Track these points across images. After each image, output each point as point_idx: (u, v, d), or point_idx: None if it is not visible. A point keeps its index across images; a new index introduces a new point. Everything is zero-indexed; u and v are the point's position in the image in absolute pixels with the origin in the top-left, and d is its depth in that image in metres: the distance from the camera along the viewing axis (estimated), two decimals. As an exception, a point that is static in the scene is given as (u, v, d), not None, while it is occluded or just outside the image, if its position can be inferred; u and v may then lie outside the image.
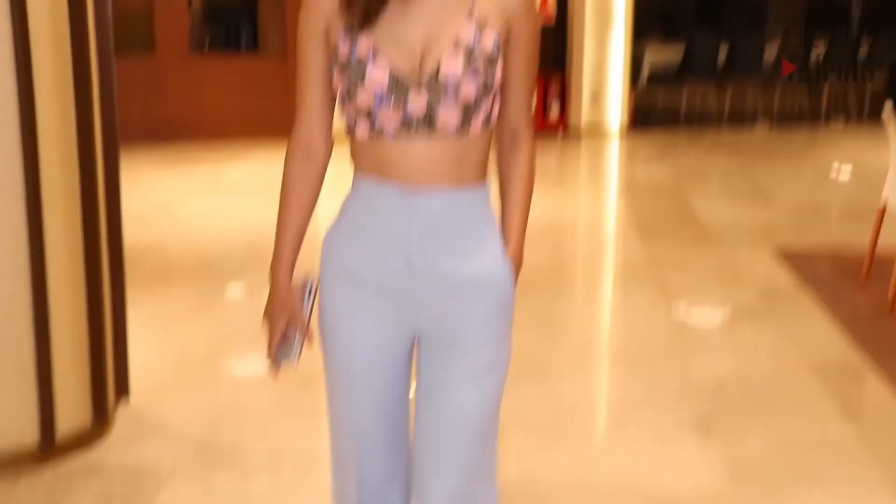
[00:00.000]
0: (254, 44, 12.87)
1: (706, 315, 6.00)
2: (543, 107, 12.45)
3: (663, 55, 13.61)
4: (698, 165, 10.76)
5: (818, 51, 13.82)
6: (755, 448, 4.22)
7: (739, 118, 13.35)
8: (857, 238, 6.97)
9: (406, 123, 2.20)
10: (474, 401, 2.38)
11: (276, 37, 12.30)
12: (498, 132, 2.40)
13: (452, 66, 2.17)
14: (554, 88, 12.50)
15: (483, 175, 2.33)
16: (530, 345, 5.11)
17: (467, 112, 2.21)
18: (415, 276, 2.31)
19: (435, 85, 2.18)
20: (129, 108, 10.30)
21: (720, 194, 9.33)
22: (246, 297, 6.43)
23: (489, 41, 2.20)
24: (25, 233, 3.90)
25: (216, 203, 8.91)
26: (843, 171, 10.59)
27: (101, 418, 4.22)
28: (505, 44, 2.26)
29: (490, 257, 2.36)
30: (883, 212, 6.35)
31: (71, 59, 4.02)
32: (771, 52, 13.63)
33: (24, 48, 3.83)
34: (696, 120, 13.26)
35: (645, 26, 13.23)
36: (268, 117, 11.60)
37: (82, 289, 4.13)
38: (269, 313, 2.43)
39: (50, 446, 4.02)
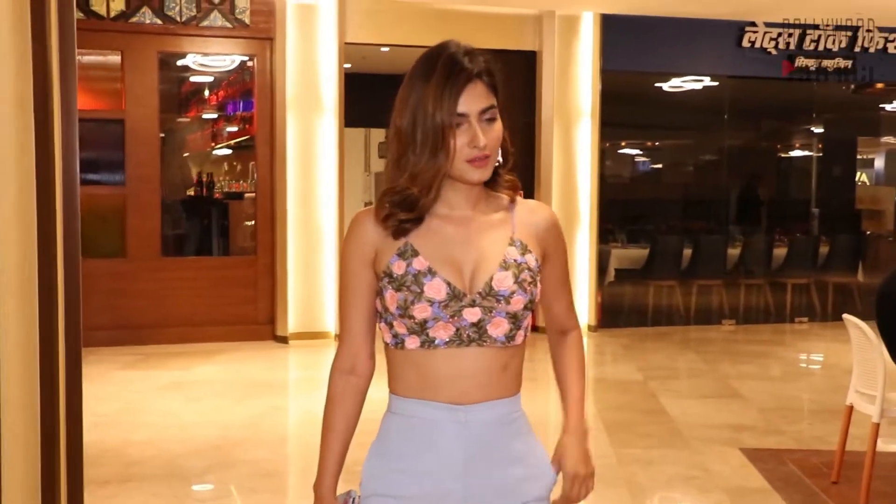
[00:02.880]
0: (225, 247, 12.94)
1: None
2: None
3: (629, 254, 13.75)
4: (666, 362, 10.79)
5: (780, 250, 14.01)
6: None
7: (705, 317, 13.45)
8: (825, 437, 6.98)
9: (458, 334, 2.34)
10: None
11: (245, 240, 12.37)
12: (549, 331, 2.69)
13: (504, 280, 2.36)
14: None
15: (519, 385, 2.51)
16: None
17: (515, 322, 2.37)
18: (472, 483, 2.40)
19: (488, 297, 2.35)
20: (97, 310, 10.36)
21: (688, 392, 9.33)
22: (211, 501, 6.29)
23: (532, 261, 2.43)
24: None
25: (181, 403, 8.79)
26: (809, 369, 10.62)
27: None
28: (543, 262, 2.48)
29: (536, 451, 2.52)
30: (849, 412, 6.33)
31: (37, 261, 4.01)
32: (734, 252, 13.80)
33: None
34: (662, 319, 13.33)
35: (609, 225, 13.37)
36: (235, 317, 11.69)
37: (38, 498, 4.02)
38: None
39: None
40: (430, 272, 2.33)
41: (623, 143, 15.25)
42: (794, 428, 8.00)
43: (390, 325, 2.40)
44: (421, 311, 2.32)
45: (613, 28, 12.32)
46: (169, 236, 12.24)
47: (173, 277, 11.66)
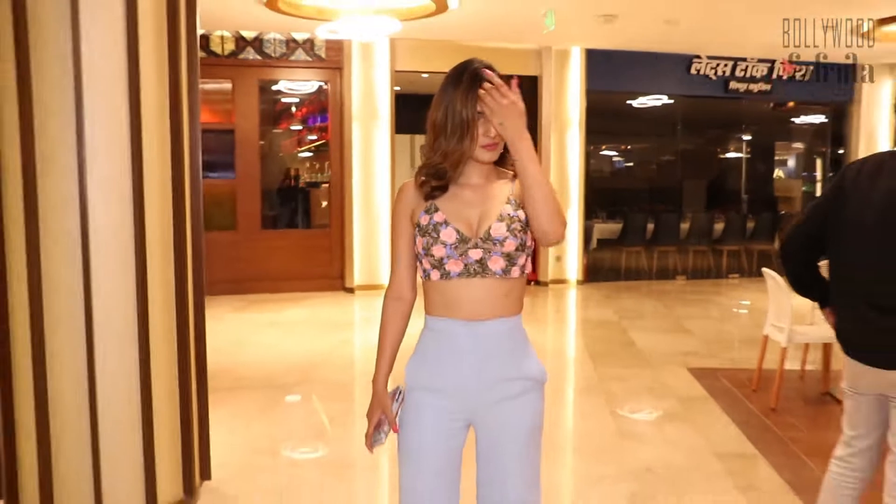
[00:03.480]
0: (307, 222, 12.99)
1: (640, 417, 5.93)
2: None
3: (608, 228, 13.77)
4: (635, 308, 10.74)
5: (719, 225, 13.97)
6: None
7: (663, 273, 13.40)
8: (749, 359, 6.98)
9: (466, 268, 2.38)
10: (527, 451, 2.51)
11: (322, 217, 12.45)
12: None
13: (500, 229, 2.37)
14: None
15: (520, 308, 2.49)
16: (562, 432, 4.98)
17: (510, 260, 2.38)
18: (483, 380, 2.44)
19: (487, 241, 2.36)
20: (216, 269, 10.45)
21: (651, 329, 9.26)
22: (298, 405, 6.32)
23: (523, 215, 2.40)
24: (137, 359, 3.91)
25: (276, 336, 8.82)
26: (738, 312, 10.62)
27: (189, 494, 4.17)
28: None
29: (532, 360, 2.51)
30: (765, 341, 6.40)
31: (173, 238, 4.07)
32: (685, 226, 13.79)
33: (140, 227, 3.89)
34: (632, 275, 13.28)
35: (593, 207, 13.37)
36: (315, 274, 11.73)
37: (176, 399, 4.11)
38: (370, 410, 2.56)
39: (153, 514, 3.94)
40: (445, 223, 2.38)
41: (603, 147, 15.22)
42: (727, 353, 8.03)
43: (421, 262, 2.45)
44: (438, 251, 2.37)
45: (595, 59, 12.22)
46: (267, 215, 12.23)
47: (270, 245, 11.70)
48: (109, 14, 3.73)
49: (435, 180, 2.42)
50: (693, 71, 12.79)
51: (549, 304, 11.28)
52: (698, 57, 12.69)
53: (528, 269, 2.47)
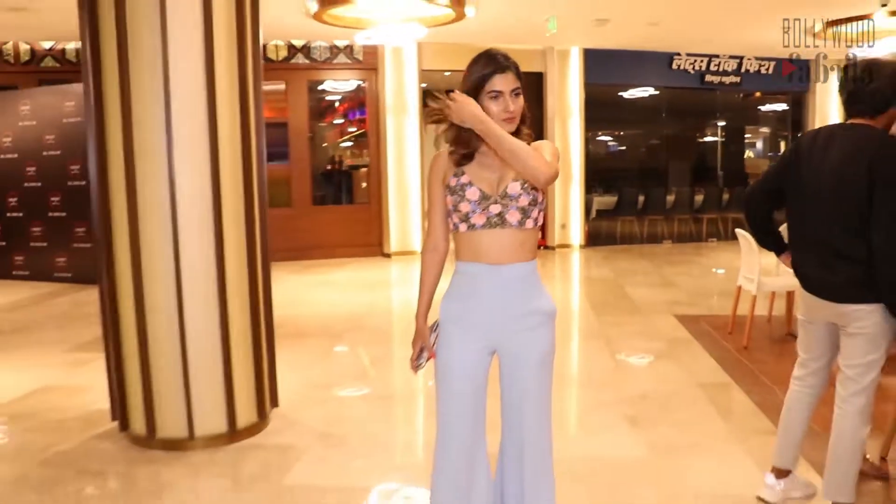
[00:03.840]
0: (350, 199, 13.06)
1: (634, 356, 5.98)
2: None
3: (605, 200, 13.78)
4: (629, 267, 10.74)
5: (699, 197, 13.92)
6: (663, 432, 4.25)
7: (653, 238, 13.40)
8: (725, 307, 7.00)
9: (488, 221, 2.43)
10: (540, 371, 2.57)
11: (363, 195, 12.55)
12: None
13: (515, 187, 2.42)
14: (536, 222, 12.61)
15: (534, 255, 2.54)
16: (565, 368, 5.08)
17: (524, 214, 2.43)
18: (505, 314, 2.50)
19: (505, 198, 2.42)
20: (276, 238, 10.57)
21: (643, 284, 9.28)
22: (347, 350, 6.40)
23: None
24: (217, 305, 4.03)
25: (327, 293, 8.93)
26: (717, 269, 10.64)
27: (262, 418, 4.30)
28: None
29: (545, 298, 2.57)
30: (738, 291, 6.43)
31: (244, 210, 4.17)
32: (671, 199, 13.77)
33: (217, 198, 4.00)
34: (626, 240, 13.31)
35: (592, 183, 13.37)
36: (358, 242, 11.82)
37: (249, 340, 4.22)
38: (413, 341, 2.62)
39: (233, 433, 4.11)
40: (470, 184, 2.44)
41: (600, 132, 15.15)
42: (707, 302, 8.06)
43: (451, 218, 2.51)
44: (464, 207, 2.44)
45: (592, 57, 12.20)
46: (316, 194, 12.29)
47: (319, 219, 11.79)
48: (191, 27, 3.85)
49: (462, 149, 2.48)
50: (674, 66, 12.72)
51: (557, 266, 11.33)
52: (678, 54, 12.63)
53: (540, 222, 2.51)
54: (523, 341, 2.53)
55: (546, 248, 12.46)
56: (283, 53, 11.39)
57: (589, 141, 13.26)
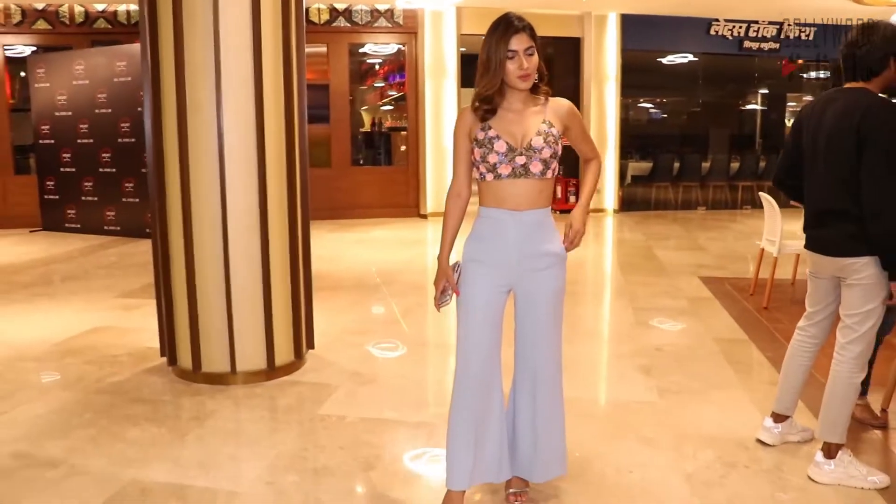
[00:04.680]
0: (388, 161, 13.28)
1: (656, 312, 6.14)
2: (566, 195, 12.68)
3: (640, 166, 13.84)
4: (660, 231, 10.86)
5: (735, 164, 13.91)
6: (675, 380, 4.43)
7: (687, 205, 13.46)
8: (751, 271, 7.10)
9: (514, 171, 2.66)
10: (552, 309, 2.81)
11: (401, 157, 12.76)
12: (581, 161, 2.94)
13: (538, 141, 2.66)
14: (572, 186, 12.72)
15: (550, 203, 2.77)
16: (565, 328, 5.26)
17: (545, 165, 2.67)
18: (522, 255, 2.73)
19: (529, 150, 2.66)
20: (316, 198, 10.84)
21: (672, 248, 9.42)
22: (379, 301, 6.60)
23: (554, 130, 2.70)
24: (259, 251, 4.30)
25: (364, 250, 9.16)
26: (747, 235, 10.67)
27: (298, 357, 4.56)
28: (566, 130, 2.76)
29: (556, 241, 2.78)
30: (761, 253, 6.58)
31: (286, 165, 4.40)
32: (706, 165, 13.78)
33: (261, 150, 4.24)
34: (660, 206, 13.39)
35: (628, 149, 13.44)
36: (395, 203, 12.05)
37: (289, 288, 4.48)
38: (436, 280, 2.84)
39: (271, 370, 4.39)
40: (497, 137, 2.66)
41: (639, 99, 15.11)
42: (733, 266, 8.15)
43: (478, 168, 2.73)
44: (492, 158, 2.66)
45: (629, 22, 12.26)
46: (355, 155, 12.56)
47: (358, 179, 12.05)
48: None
49: (485, 105, 2.69)
50: (712, 32, 12.70)
51: (590, 229, 11.46)
52: (716, 20, 12.59)
53: (556, 172, 2.74)
54: (537, 280, 2.76)
55: (563, 212, 12.60)
56: (325, 16, 11.61)
57: (625, 107, 13.31)
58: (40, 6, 11.05)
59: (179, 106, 4.13)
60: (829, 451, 3.23)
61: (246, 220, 4.25)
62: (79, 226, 10.59)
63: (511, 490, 3.00)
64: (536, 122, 2.70)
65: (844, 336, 3.24)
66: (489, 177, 2.70)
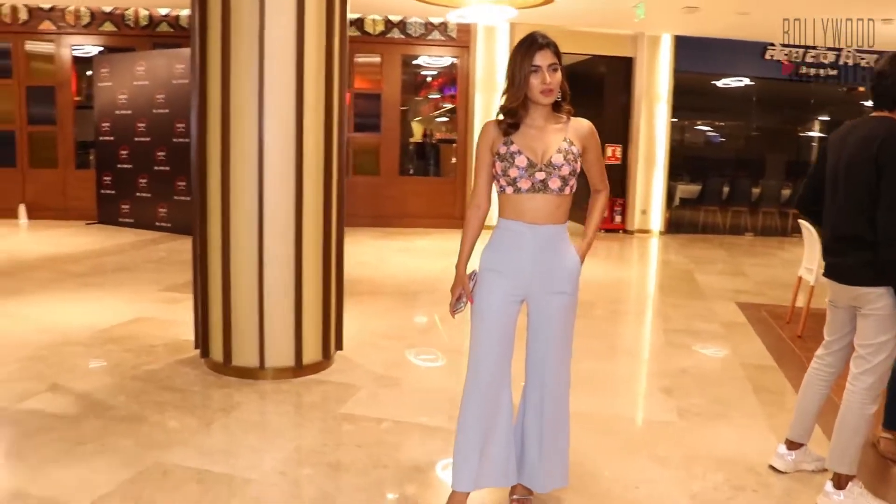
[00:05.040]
0: (437, 172, 13.39)
1: (687, 335, 6.13)
2: (612, 215, 12.69)
3: (689, 189, 13.75)
4: (704, 255, 10.78)
5: (787, 191, 13.74)
6: (695, 402, 4.45)
7: (735, 230, 13.32)
8: (790, 299, 7.05)
9: (533, 186, 2.74)
10: (563, 325, 2.87)
11: (450, 169, 12.87)
12: (591, 190, 2.96)
13: (558, 158, 2.74)
14: (618, 206, 12.72)
15: (566, 219, 2.83)
16: (594, 344, 5.39)
17: (564, 182, 2.75)
18: (537, 267, 2.80)
19: (549, 167, 2.74)
20: (362, 205, 11.06)
21: (714, 272, 9.34)
22: (417, 309, 6.74)
23: (574, 149, 2.77)
24: (293, 252, 4.45)
25: (407, 258, 9.27)
26: (792, 263, 10.51)
27: (326, 357, 4.70)
28: (584, 151, 2.81)
29: (571, 256, 2.85)
30: (799, 281, 6.54)
31: (323, 171, 4.53)
32: (757, 191, 13.64)
33: (299, 165, 4.39)
34: (708, 230, 13.27)
35: (677, 170, 13.36)
36: (441, 213, 12.12)
37: (320, 291, 4.62)
38: (453, 287, 2.96)
39: (299, 368, 4.53)
40: (519, 152, 2.74)
41: (688, 121, 14.98)
42: (773, 293, 8.05)
43: (498, 181, 2.81)
44: (513, 172, 2.75)
45: (683, 44, 12.21)
46: (405, 165, 12.71)
47: (405, 189, 12.17)
48: (285, 6, 4.28)
49: (509, 119, 2.78)
50: (767, 56, 12.57)
51: (634, 250, 11.46)
52: (772, 44, 12.47)
53: (574, 189, 2.81)
54: (551, 294, 2.83)
55: (625, 232, 12.60)
56: (380, 28, 11.82)
57: (676, 128, 13.25)
58: (108, 9, 11.47)
59: (224, 110, 4.32)
60: (839, 481, 3.24)
61: (281, 222, 4.40)
62: (132, 220, 10.94)
63: (515, 496, 3.08)
64: (557, 139, 2.77)
65: (857, 366, 3.25)
66: (509, 190, 2.78)
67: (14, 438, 3.58)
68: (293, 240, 4.43)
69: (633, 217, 12.63)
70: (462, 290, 2.91)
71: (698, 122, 14.88)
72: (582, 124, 2.84)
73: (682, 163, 13.79)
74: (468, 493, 2.91)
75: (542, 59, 2.70)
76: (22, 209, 11.47)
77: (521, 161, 2.74)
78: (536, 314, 2.87)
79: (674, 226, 13.02)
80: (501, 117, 2.80)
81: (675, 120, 12.95)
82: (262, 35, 4.25)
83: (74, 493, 3.04)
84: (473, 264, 2.93)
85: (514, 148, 2.75)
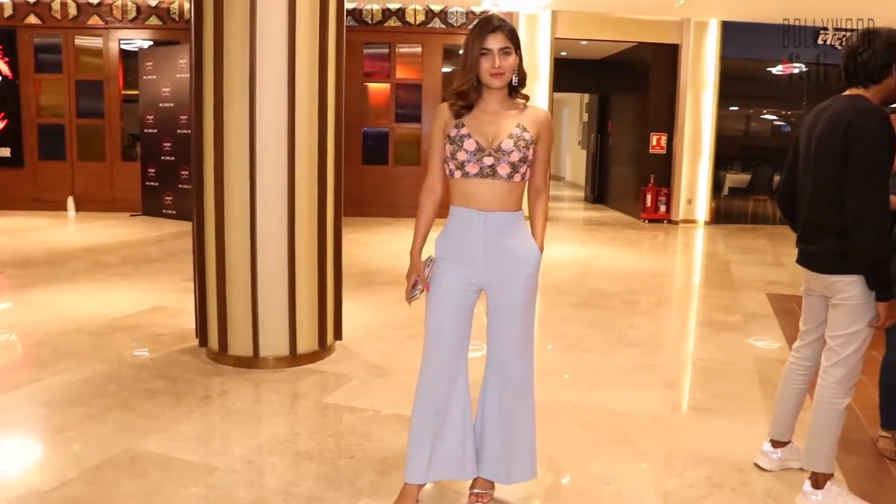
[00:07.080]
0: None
1: (706, 326, 6.03)
2: (656, 205, 12.50)
3: (738, 178, 13.42)
4: (745, 245, 10.53)
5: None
6: (695, 396, 4.39)
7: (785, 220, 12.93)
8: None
9: (481, 171, 2.68)
10: (521, 314, 2.81)
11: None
12: (529, 190, 2.84)
13: (508, 144, 2.68)
14: (663, 195, 12.53)
15: (520, 205, 2.78)
16: (604, 336, 5.32)
17: (514, 168, 2.69)
18: (489, 255, 2.75)
19: (498, 152, 2.68)
20: (400, 195, 11.04)
21: (750, 262, 9.13)
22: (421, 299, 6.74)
23: (527, 136, 2.70)
24: (286, 251, 4.49)
25: (405, 248, 9.27)
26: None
27: (322, 347, 4.72)
28: (536, 140, 2.73)
29: (527, 244, 2.79)
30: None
31: (317, 161, 4.55)
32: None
33: (291, 154, 4.41)
34: (757, 220, 12.96)
35: (726, 159, 13.05)
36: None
37: (315, 281, 4.64)
38: (408, 274, 2.92)
39: (294, 357, 4.57)
40: (468, 136, 2.69)
41: (744, 109, 14.59)
42: (809, 285, 7.85)
43: (448, 164, 2.75)
44: (461, 156, 2.69)
45: (731, 30, 11.95)
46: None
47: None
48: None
49: (461, 101, 2.73)
50: (820, 41, 12.17)
51: (679, 240, 11.27)
52: (825, 28, 12.06)
53: (528, 177, 2.76)
54: (507, 283, 2.77)
55: (670, 222, 12.39)
56: (421, 18, 11.83)
57: (723, 116, 12.94)
58: (153, 3, 11.74)
59: (216, 97, 4.36)
60: (817, 480, 3.11)
61: (274, 212, 4.44)
62: (174, 212, 11.19)
63: (475, 490, 3.04)
64: (510, 125, 2.71)
65: (827, 359, 3.11)
66: (457, 174, 2.73)
67: (-1, 426, 3.69)
68: (286, 229, 4.46)
69: (678, 207, 12.42)
70: (417, 277, 2.88)
71: (748, 110, 14.49)
72: (538, 112, 2.78)
73: (731, 151, 13.46)
74: (420, 486, 2.90)
75: (494, 41, 2.64)
76: (70, 201, 11.84)
77: (469, 145, 2.68)
78: (493, 303, 2.83)
79: (723, 216, 12.74)
80: (452, 100, 2.74)
81: (723, 108, 12.63)
82: (254, 19, 4.27)
83: (40, 477, 3.12)
84: (430, 251, 2.89)
85: (464, 131, 2.70)
